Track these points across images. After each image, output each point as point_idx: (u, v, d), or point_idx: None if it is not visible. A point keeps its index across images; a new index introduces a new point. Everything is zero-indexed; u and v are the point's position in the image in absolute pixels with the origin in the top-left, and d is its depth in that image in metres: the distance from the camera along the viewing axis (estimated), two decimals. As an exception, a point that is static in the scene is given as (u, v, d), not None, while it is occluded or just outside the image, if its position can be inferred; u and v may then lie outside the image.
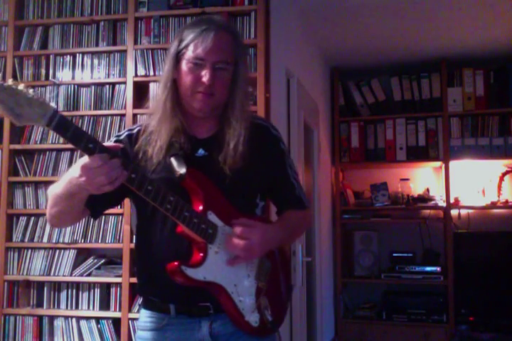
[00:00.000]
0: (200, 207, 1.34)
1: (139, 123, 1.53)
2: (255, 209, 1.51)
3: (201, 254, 1.34)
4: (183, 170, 1.34)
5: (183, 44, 1.40)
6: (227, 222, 1.38)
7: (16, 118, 1.09)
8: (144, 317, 1.48)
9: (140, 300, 1.53)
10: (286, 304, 1.55)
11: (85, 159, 1.18)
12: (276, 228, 1.46)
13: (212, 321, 1.41)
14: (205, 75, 1.37)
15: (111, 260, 2.75)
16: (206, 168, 1.39)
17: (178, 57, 1.42)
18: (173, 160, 1.37)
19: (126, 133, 1.49)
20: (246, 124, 1.43)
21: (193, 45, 1.38)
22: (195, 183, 1.35)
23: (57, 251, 2.75)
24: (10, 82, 1.09)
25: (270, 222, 1.58)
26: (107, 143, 1.41)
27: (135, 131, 1.49)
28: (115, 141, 1.46)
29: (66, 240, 2.73)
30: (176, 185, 1.33)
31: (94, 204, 1.40)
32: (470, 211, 4.53)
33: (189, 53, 1.39)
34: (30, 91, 1.11)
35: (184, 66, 1.40)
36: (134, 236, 1.53)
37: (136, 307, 2.60)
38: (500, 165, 4.47)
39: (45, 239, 2.76)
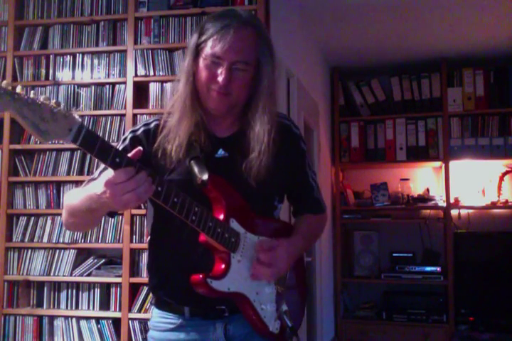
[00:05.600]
0: (222, 216, 1.29)
1: (155, 118, 1.45)
2: (274, 212, 1.48)
3: (223, 265, 1.30)
4: (205, 177, 1.28)
5: (203, 38, 1.33)
6: (248, 229, 1.34)
7: (42, 136, 1.00)
8: (156, 316, 1.45)
9: (153, 299, 1.49)
10: (304, 307, 1.53)
11: (109, 174, 1.10)
12: (299, 239, 1.42)
13: (226, 323, 1.38)
14: (221, 74, 1.30)
15: (111, 260, 2.75)
16: (226, 170, 1.34)
17: (197, 51, 1.35)
18: (193, 163, 1.31)
19: (142, 128, 1.42)
20: (269, 127, 1.35)
21: (211, 41, 1.31)
22: (218, 191, 1.30)
23: (57, 251, 2.75)
24: (32, 94, 0.99)
25: (287, 224, 1.54)
26: (123, 144, 1.39)
27: (152, 125, 1.41)
28: (131, 138, 1.40)
29: (66, 240, 2.73)
30: (196, 189, 1.28)
31: None
32: (470, 211, 4.53)
33: (207, 49, 1.31)
34: (53, 102, 1.02)
35: (201, 62, 1.33)
36: (149, 236, 1.49)
37: (137, 307, 2.61)
38: (500, 165, 4.47)
39: (45, 239, 2.76)
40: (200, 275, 1.25)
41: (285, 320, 1.40)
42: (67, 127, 1.02)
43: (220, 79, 1.30)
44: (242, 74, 1.32)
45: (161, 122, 1.39)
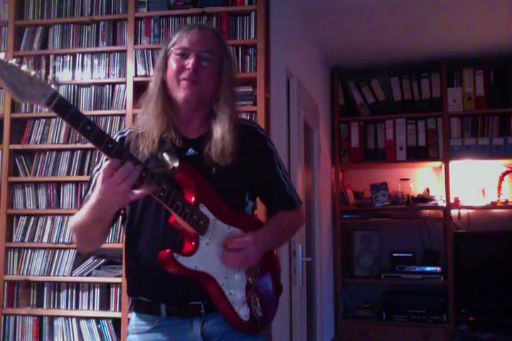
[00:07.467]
0: (193, 199, 1.36)
1: (129, 127, 1.57)
2: (244, 208, 1.52)
3: (193, 243, 1.35)
4: (176, 164, 1.37)
5: (171, 43, 1.49)
6: (218, 216, 1.40)
7: (18, 96, 1.13)
8: (134, 320, 1.48)
9: (131, 305, 1.51)
10: (276, 302, 1.56)
11: (100, 178, 1.22)
12: (267, 233, 1.48)
13: (203, 321, 1.41)
14: (189, 63, 1.43)
15: (111, 260, 2.75)
16: (196, 165, 1.41)
17: (166, 57, 1.49)
18: (165, 155, 1.40)
19: (118, 136, 1.52)
20: (232, 118, 1.46)
21: (179, 40, 1.47)
22: (188, 176, 1.37)
23: (57, 251, 2.75)
24: (13, 61, 1.13)
25: (260, 221, 1.59)
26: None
27: (126, 133, 1.52)
28: None
29: (66, 240, 2.73)
30: (169, 180, 1.34)
31: None
32: (470, 211, 4.52)
33: (176, 47, 1.47)
34: (32, 71, 1.14)
35: (171, 59, 1.47)
36: (124, 236, 1.52)
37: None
38: (500, 165, 4.47)
39: (45, 239, 2.77)
40: (168, 250, 1.30)
41: (255, 309, 1.42)
42: (43, 92, 1.14)
43: (189, 66, 1.43)
44: (208, 64, 1.46)
45: (133, 129, 1.51)
